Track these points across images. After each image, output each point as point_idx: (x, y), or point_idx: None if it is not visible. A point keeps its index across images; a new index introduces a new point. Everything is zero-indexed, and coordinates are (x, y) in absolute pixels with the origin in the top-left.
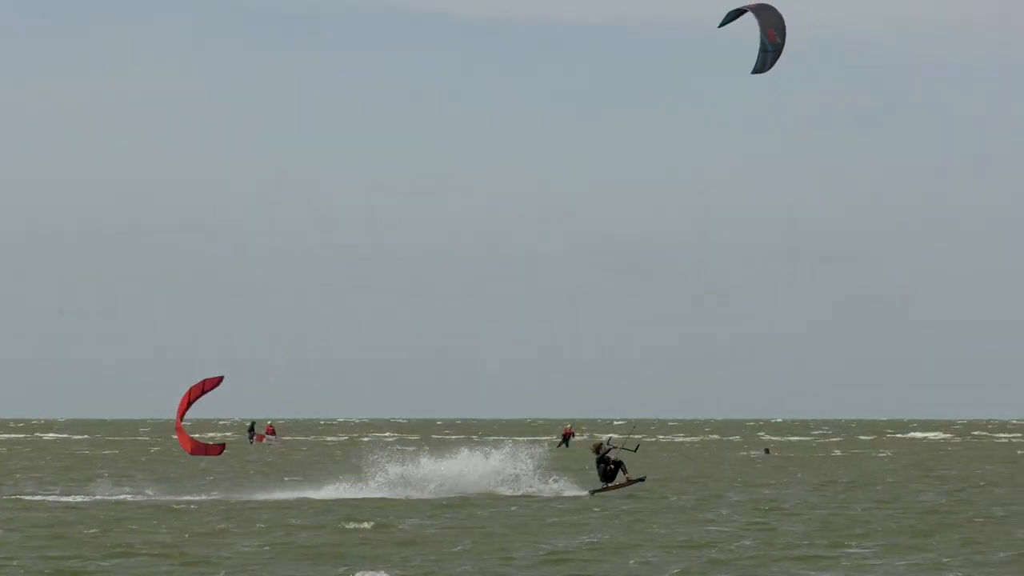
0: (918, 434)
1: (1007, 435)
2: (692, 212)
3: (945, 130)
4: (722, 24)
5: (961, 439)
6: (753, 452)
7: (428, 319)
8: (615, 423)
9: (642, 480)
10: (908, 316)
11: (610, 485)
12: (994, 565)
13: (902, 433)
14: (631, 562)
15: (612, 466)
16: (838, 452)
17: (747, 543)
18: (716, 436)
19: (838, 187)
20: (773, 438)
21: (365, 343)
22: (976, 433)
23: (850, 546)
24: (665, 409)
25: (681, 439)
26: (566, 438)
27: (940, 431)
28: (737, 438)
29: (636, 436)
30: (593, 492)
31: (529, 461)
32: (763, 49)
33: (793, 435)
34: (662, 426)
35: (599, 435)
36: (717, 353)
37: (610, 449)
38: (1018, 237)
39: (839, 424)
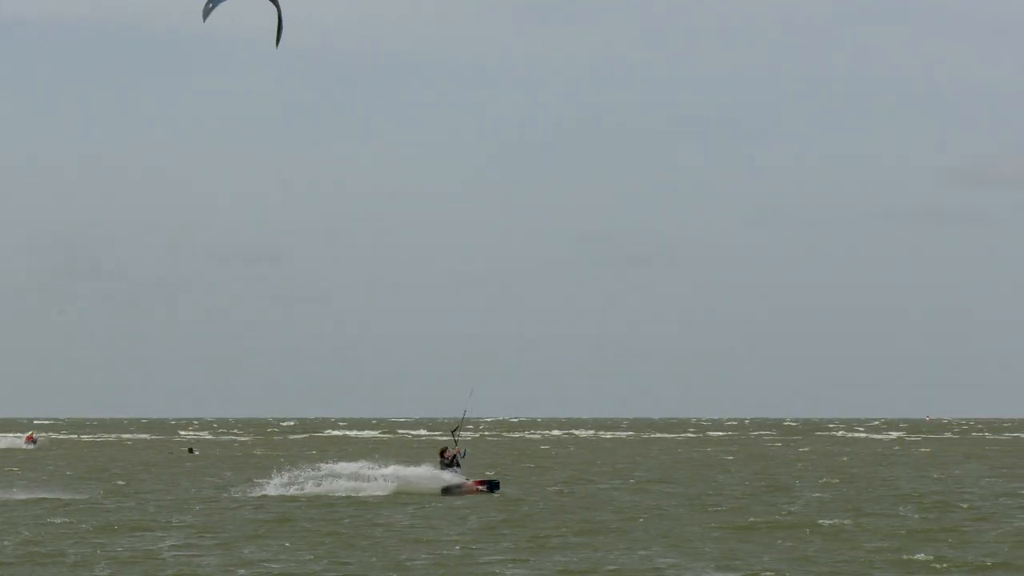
0: (351, 432)
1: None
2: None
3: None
4: (206, 16)
5: (389, 437)
6: (181, 450)
7: None
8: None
9: (495, 487)
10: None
11: (464, 488)
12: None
13: (340, 431)
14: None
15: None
16: (259, 452)
17: (176, 542)
18: (147, 435)
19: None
20: (201, 436)
21: None
22: (401, 432)
23: (271, 545)
24: (87, 408)
25: (131, 436)
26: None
27: (370, 430)
28: (164, 437)
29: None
30: (444, 491)
31: None
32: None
33: (222, 434)
34: (85, 426)
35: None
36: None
37: (456, 454)
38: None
39: (260, 423)
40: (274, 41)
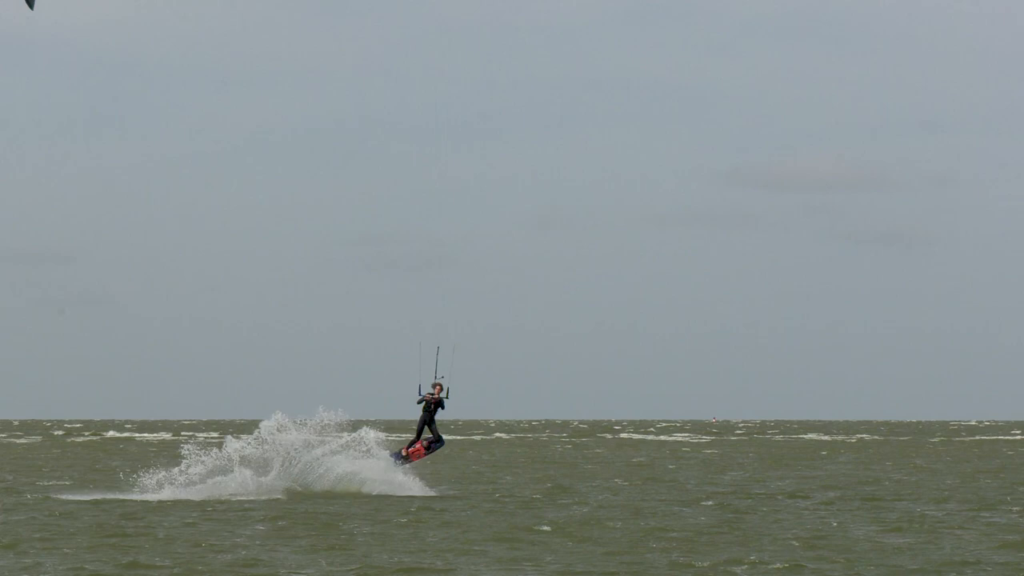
0: (139, 434)
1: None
2: None
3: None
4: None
5: (176, 439)
6: None
7: None
8: None
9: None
10: (130, 315)
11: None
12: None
13: (119, 432)
14: None
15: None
16: (57, 451)
17: None
18: None
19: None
20: None
21: None
22: (186, 434)
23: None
24: None
25: None
26: None
27: (157, 431)
28: None
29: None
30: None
31: None
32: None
33: (2, 436)
34: None
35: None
36: None
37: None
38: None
39: (43, 424)
40: (28, 5)
